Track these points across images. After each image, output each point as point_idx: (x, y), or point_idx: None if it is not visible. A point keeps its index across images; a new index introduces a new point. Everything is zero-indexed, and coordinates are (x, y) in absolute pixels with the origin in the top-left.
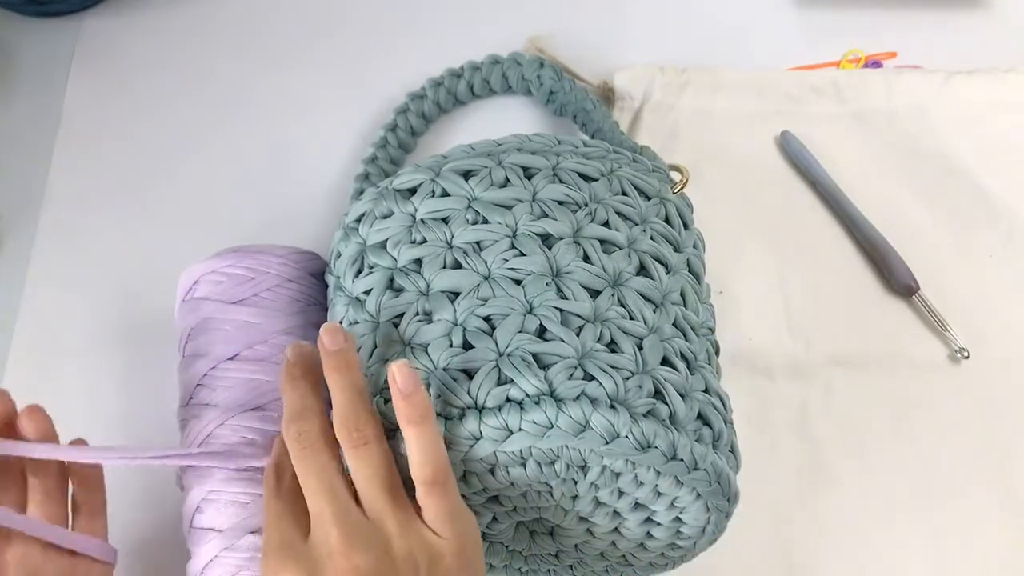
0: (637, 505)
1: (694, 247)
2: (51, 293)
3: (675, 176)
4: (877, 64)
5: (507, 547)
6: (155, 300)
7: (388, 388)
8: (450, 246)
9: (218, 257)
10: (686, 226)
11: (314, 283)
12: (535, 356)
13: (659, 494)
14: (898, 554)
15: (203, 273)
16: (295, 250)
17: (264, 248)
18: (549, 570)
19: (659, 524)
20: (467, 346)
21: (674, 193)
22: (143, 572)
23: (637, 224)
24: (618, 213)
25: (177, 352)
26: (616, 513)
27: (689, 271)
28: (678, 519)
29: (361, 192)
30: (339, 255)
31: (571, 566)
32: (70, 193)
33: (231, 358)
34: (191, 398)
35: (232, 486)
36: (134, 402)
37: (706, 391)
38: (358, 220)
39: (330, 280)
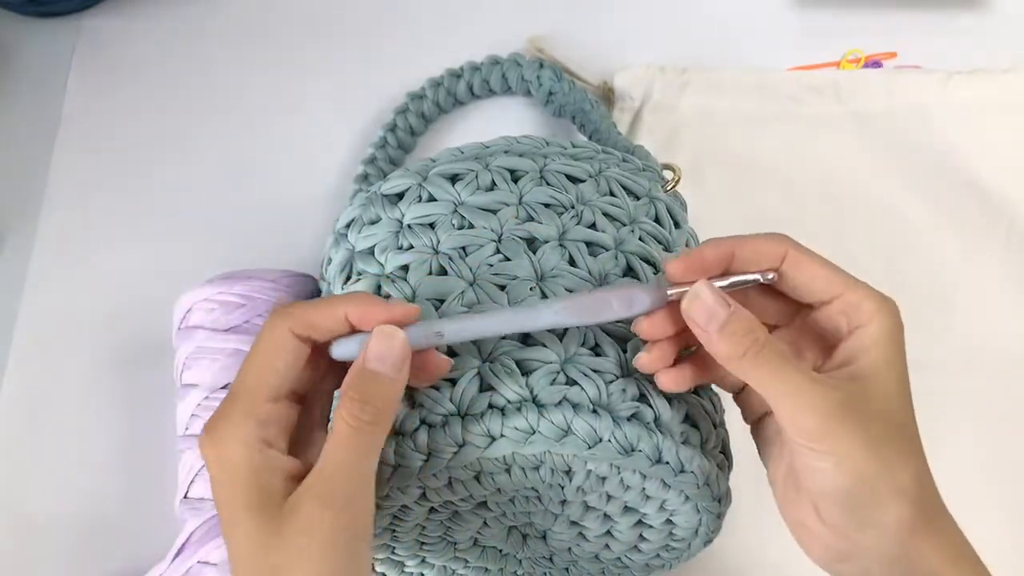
0: (627, 508)
1: (687, 246)
2: (51, 294)
3: (667, 175)
4: (877, 64)
5: (501, 551)
6: (156, 299)
7: None
8: (436, 252)
9: (209, 284)
10: (677, 225)
11: None
12: (518, 362)
13: (647, 497)
14: None
15: (195, 301)
16: (287, 273)
17: (255, 273)
18: (544, 573)
19: (651, 527)
20: (451, 353)
21: (666, 192)
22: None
23: (625, 225)
24: (605, 214)
25: (175, 380)
26: (607, 516)
27: None
28: (669, 521)
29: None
30: (330, 261)
31: (566, 569)
32: (70, 193)
33: (223, 387)
34: (187, 428)
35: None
36: (135, 403)
37: (695, 392)
38: (348, 226)
39: (322, 286)
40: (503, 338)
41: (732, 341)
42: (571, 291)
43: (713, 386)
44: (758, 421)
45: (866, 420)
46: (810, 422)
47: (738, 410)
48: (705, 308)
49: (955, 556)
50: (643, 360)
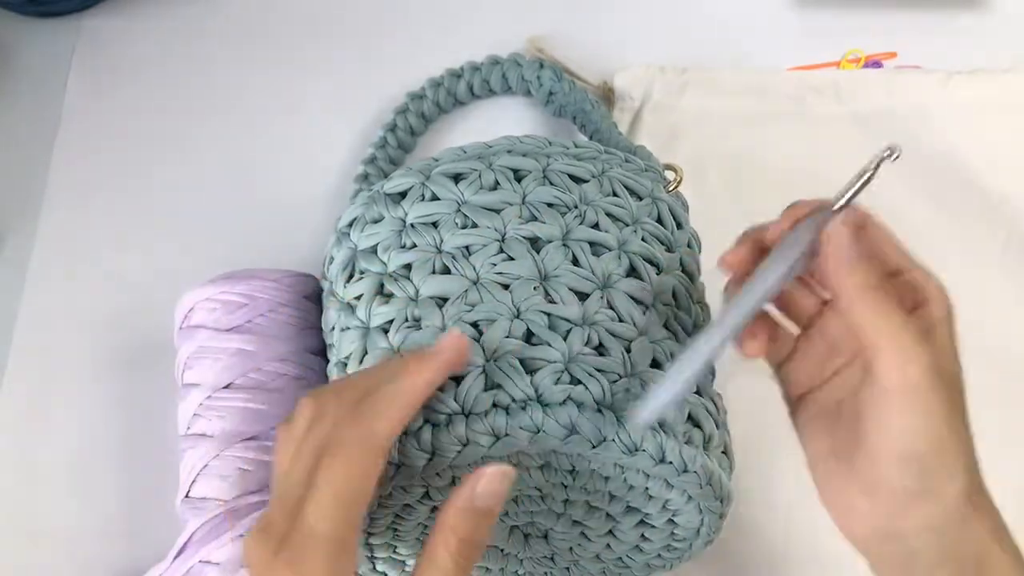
0: (629, 508)
1: (688, 246)
2: (51, 294)
3: (669, 175)
4: (877, 64)
5: (502, 551)
6: (156, 299)
7: None
8: (439, 251)
9: (211, 284)
10: (680, 225)
11: (309, 306)
12: (522, 361)
13: (650, 497)
14: None
15: (197, 300)
16: (289, 273)
17: (257, 273)
18: (545, 572)
19: (653, 527)
20: None
21: (668, 192)
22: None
23: (628, 225)
24: (608, 215)
25: (176, 380)
26: (609, 516)
27: (682, 271)
28: (671, 521)
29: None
30: (332, 260)
31: (567, 568)
32: (70, 193)
33: (226, 387)
34: (189, 427)
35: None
36: (135, 403)
37: (698, 393)
38: (350, 225)
39: (324, 285)
40: (507, 336)
41: (867, 270)
42: (574, 291)
43: (712, 386)
44: (800, 398)
45: (948, 387)
46: (914, 372)
47: (739, 413)
48: (843, 239)
49: (999, 532)
50: (752, 347)
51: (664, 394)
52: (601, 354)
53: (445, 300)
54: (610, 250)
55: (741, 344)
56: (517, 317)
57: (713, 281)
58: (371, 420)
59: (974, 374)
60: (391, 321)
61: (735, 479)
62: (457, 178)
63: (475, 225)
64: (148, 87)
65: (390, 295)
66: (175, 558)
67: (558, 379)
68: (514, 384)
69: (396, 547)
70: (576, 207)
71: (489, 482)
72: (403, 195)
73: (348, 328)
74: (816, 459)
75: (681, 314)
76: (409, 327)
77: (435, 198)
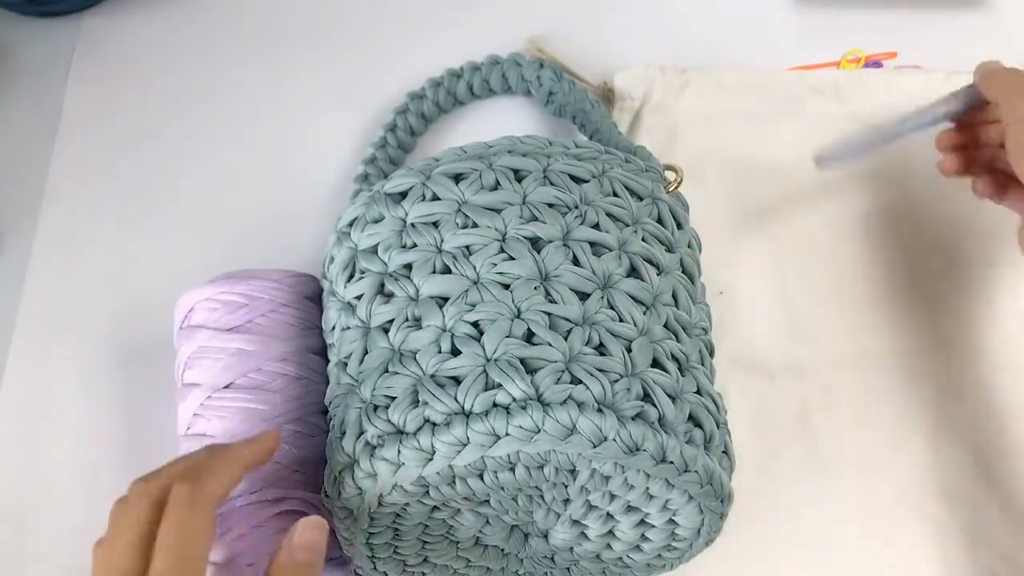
0: (629, 508)
1: (688, 247)
2: (51, 293)
3: (670, 176)
4: (877, 64)
5: (502, 551)
6: (156, 299)
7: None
8: (440, 251)
9: (211, 284)
10: (680, 226)
11: (310, 307)
12: (522, 361)
13: (651, 497)
14: (901, 553)
15: (197, 300)
16: (290, 273)
17: (258, 273)
18: (546, 572)
19: (653, 526)
20: (455, 351)
21: (668, 193)
22: None
23: (628, 225)
24: (609, 215)
25: (176, 380)
26: (609, 516)
27: (682, 271)
28: (672, 521)
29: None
30: (332, 260)
31: (568, 568)
32: (70, 193)
33: (226, 387)
34: (189, 427)
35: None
36: (135, 403)
37: (698, 392)
38: (350, 224)
39: (324, 285)
40: (508, 336)
41: None
42: (575, 291)
43: (712, 386)
44: None
45: None
46: None
47: (738, 411)
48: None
49: None
50: (947, 162)
51: (854, 143)
52: (602, 354)
53: (445, 300)
54: (610, 250)
55: (941, 162)
56: (518, 317)
57: (716, 283)
58: (205, 508)
59: (983, 372)
60: (391, 320)
61: (735, 479)
62: (458, 178)
63: (476, 225)
64: (148, 87)
65: (390, 295)
66: None
67: (559, 379)
68: (514, 384)
69: (396, 547)
70: (577, 207)
71: (302, 534)
72: (404, 195)
73: (349, 328)
74: None
75: (681, 314)
76: (409, 327)
77: (436, 198)
